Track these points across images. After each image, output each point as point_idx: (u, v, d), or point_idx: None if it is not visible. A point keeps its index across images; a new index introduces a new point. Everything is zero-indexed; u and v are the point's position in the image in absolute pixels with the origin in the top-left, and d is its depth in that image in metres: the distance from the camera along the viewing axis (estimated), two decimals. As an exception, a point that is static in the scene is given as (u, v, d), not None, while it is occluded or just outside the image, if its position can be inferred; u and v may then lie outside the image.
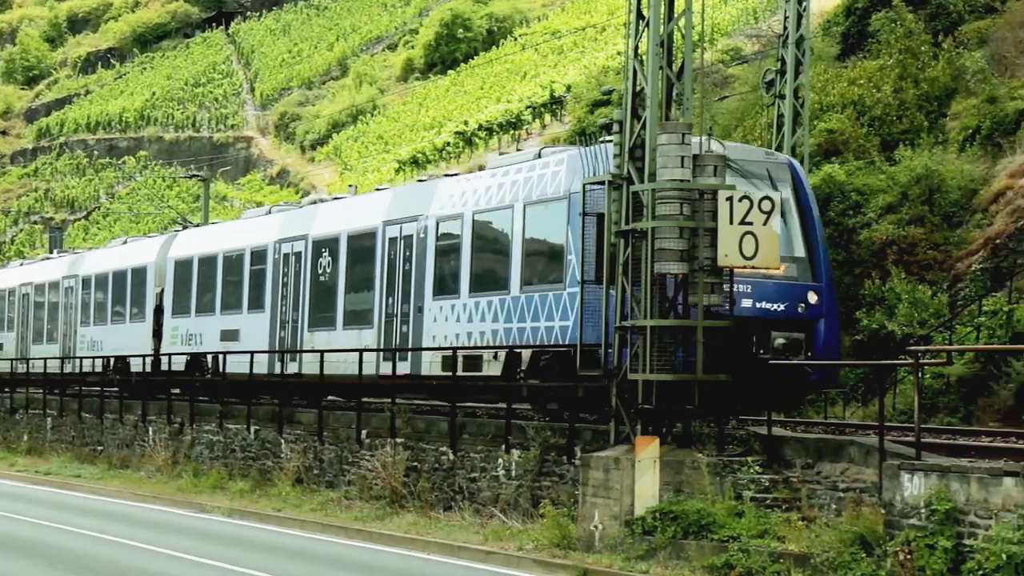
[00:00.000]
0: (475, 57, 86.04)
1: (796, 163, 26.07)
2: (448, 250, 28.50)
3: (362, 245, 30.78)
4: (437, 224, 28.99)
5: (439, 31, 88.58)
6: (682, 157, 21.93)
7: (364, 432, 29.59)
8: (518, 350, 25.68)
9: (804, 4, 31.61)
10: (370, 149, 76.54)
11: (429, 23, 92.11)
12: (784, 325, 23.83)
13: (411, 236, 29.60)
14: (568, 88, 65.67)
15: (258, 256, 33.90)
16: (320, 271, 31.83)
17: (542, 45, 78.60)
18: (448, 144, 67.34)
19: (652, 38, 22.71)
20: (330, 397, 33.47)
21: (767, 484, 21.32)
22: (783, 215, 23.75)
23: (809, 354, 23.87)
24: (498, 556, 22.17)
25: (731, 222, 21.43)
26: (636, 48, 23.05)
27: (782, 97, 31.61)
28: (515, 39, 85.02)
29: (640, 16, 23.00)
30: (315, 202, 35.19)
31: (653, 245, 21.91)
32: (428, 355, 28.23)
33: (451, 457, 26.84)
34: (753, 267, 21.85)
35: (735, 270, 22.16)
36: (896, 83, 34.35)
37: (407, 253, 29.65)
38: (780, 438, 22.16)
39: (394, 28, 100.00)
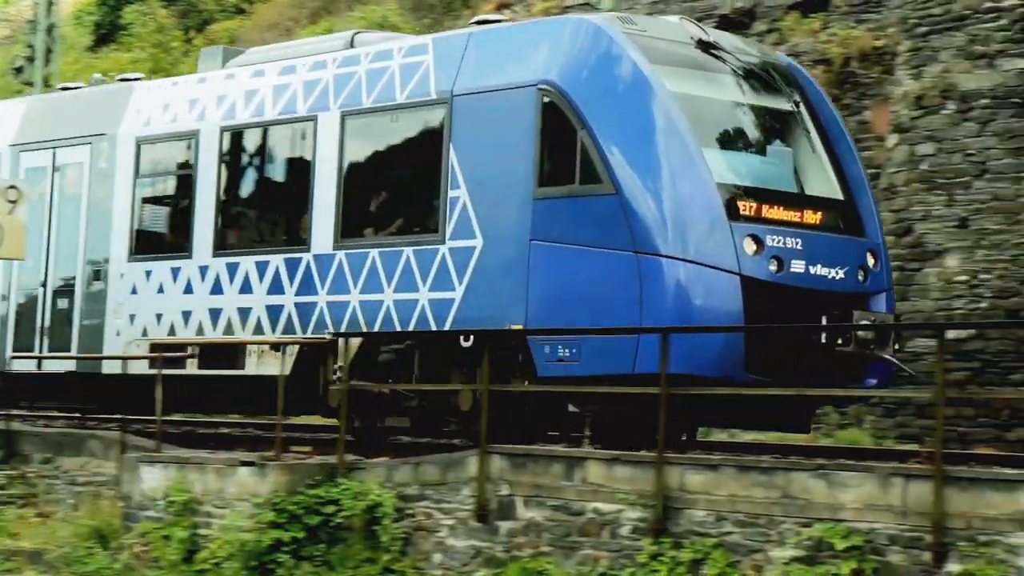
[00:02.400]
0: None
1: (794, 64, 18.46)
2: (165, 186, 21.27)
3: None
4: (138, 147, 21.36)
5: None
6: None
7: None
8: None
9: (55, -10, 31.07)
10: None
11: None
12: (845, 301, 16.31)
13: (80, 166, 22.12)
14: None
15: None
16: None
17: None
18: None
19: None
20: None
21: (3, 481, 20.79)
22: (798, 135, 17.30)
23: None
24: None
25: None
26: None
27: (31, 84, 30.92)
28: None
29: None
30: None
31: None
32: (120, 344, 21.10)
33: None
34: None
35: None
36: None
37: (68, 192, 22.26)
38: (17, 432, 21.60)
39: None
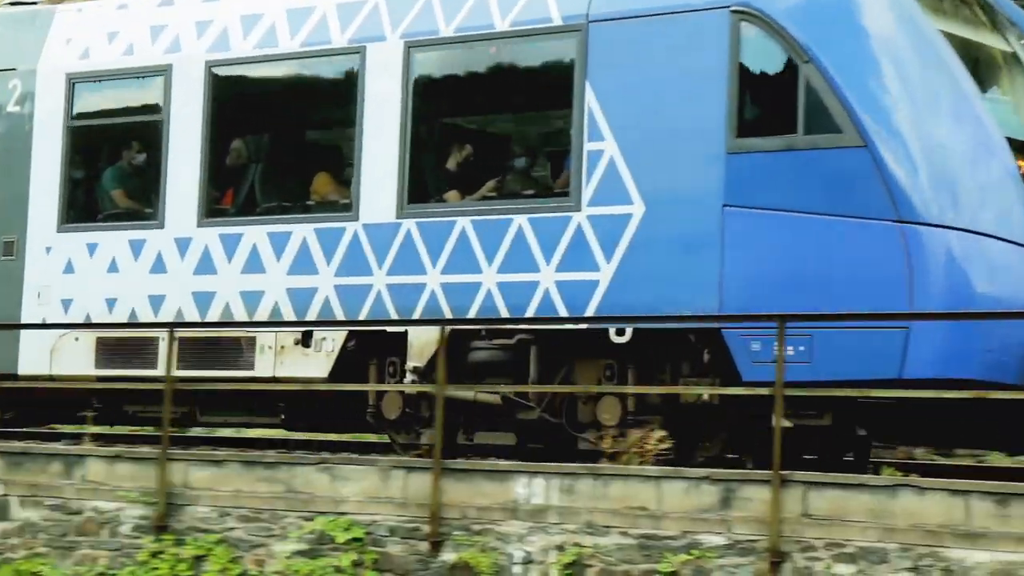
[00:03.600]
0: None
1: None
2: (116, 135, 16.70)
3: None
4: (71, 86, 16.53)
5: None
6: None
7: None
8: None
9: None
10: None
11: None
12: None
13: None
14: None
15: None
16: None
17: None
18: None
19: None
20: None
21: None
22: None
23: None
24: None
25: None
26: None
27: None
28: None
29: None
30: None
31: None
32: (48, 338, 16.18)
33: None
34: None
35: None
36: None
37: None
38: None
39: None
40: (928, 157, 12.14)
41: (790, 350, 12.18)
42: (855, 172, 12.24)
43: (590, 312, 13.35)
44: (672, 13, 13.17)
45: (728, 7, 12.91)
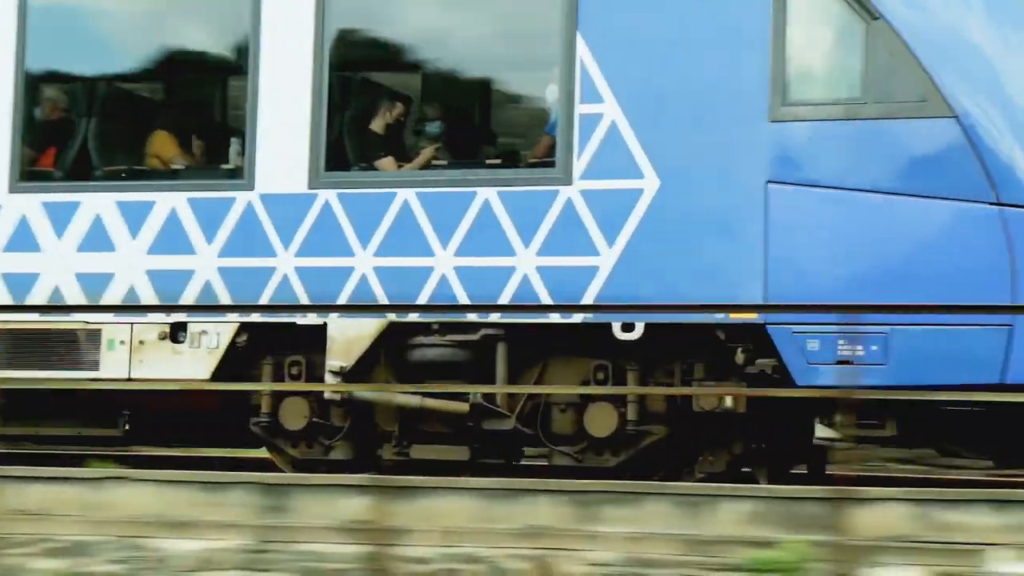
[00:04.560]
0: None
1: None
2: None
3: None
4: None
5: None
6: None
7: None
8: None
9: None
10: None
11: None
12: None
13: None
14: None
15: None
16: None
17: None
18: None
19: None
20: None
21: None
22: None
23: None
24: None
25: None
26: None
27: None
28: None
29: None
30: None
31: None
32: None
33: None
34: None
35: None
36: None
37: None
38: None
39: None
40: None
41: (860, 350, 10.36)
42: (942, 145, 10.56)
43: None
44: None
45: (774, -61, 10.97)
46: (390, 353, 11.44)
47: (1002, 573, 8.76)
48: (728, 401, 10.90)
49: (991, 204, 10.46)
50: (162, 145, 12.62)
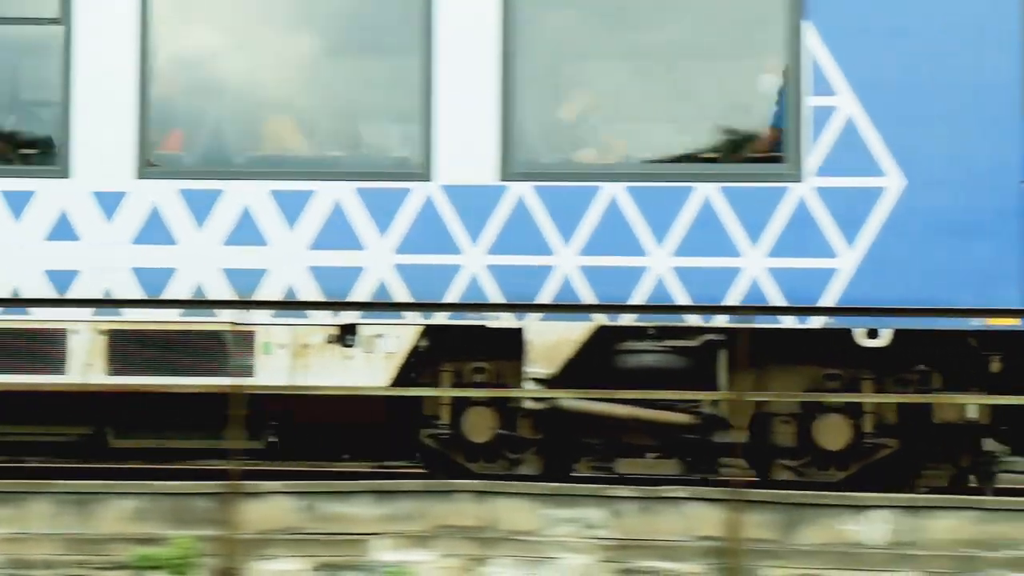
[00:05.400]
0: None
1: None
2: None
3: None
4: None
5: None
6: None
7: None
8: None
9: None
10: None
11: None
12: None
13: None
14: None
15: None
16: None
17: None
18: None
19: None
20: None
21: None
22: None
23: None
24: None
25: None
26: None
27: None
28: None
29: None
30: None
31: None
32: None
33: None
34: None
35: None
36: None
37: None
38: None
39: None
40: None
41: None
42: None
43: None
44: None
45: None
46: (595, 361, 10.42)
47: (383, 561, 9.11)
48: (971, 411, 10.20)
49: None
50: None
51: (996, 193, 10.22)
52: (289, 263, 10.61)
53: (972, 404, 10.21)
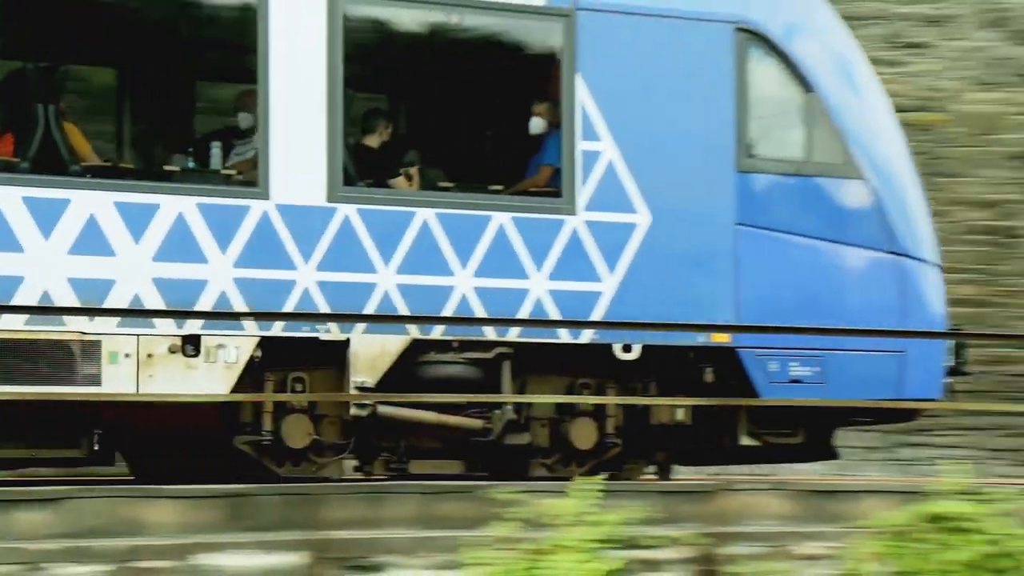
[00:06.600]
0: None
1: None
2: None
3: None
4: None
5: None
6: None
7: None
8: None
9: None
10: None
11: None
12: None
13: None
14: None
15: None
16: None
17: None
18: None
19: None
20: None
21: None
22: None
23: None
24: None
25: None
26: None
27: None
28: None
29: None
30: None
31: None
32: None
33: None
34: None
35: None
36: None
37: None
38: None
39: None
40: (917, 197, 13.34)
41: (806, 370, 12.72)
42: (856, 203, 12.97)
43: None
44: (673, 17, 12.47)
45: (734, 23, 12.59)
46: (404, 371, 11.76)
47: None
48: (680, 414, 12.62)
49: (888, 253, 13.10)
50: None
51: (716, 232, 12.54)
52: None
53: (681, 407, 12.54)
